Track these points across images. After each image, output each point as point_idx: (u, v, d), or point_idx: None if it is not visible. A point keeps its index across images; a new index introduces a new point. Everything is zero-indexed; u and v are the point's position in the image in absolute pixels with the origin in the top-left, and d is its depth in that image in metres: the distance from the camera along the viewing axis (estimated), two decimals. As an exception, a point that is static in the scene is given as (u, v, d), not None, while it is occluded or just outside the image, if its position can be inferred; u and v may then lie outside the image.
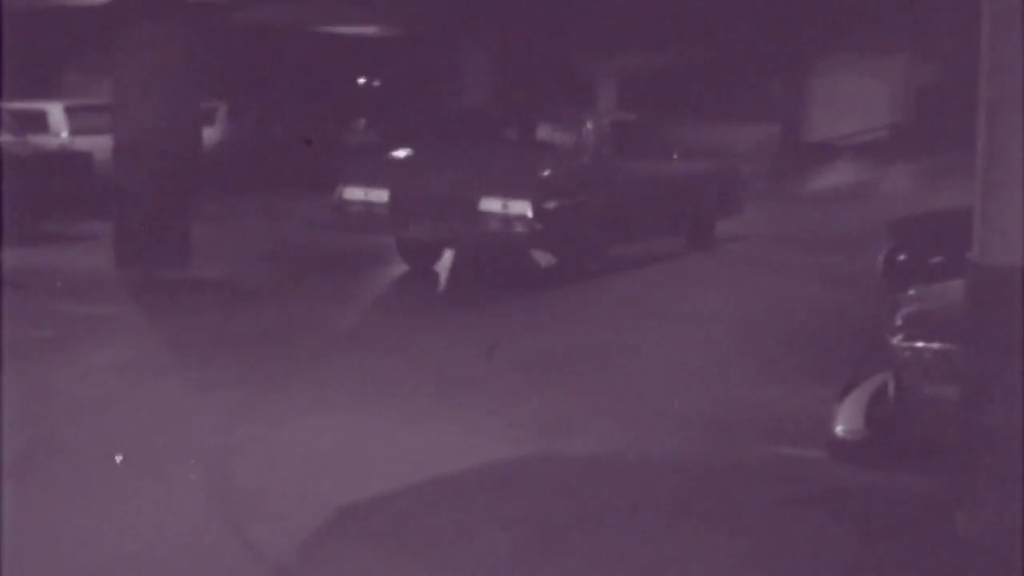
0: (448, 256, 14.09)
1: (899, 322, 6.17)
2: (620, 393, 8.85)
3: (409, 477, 6.82)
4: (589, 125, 13.77)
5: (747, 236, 17.54)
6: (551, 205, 12.24)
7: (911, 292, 7.18)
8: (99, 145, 16.34)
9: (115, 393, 8.51)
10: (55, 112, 19.35)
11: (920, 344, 5.83)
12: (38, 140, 17.88)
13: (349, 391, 8.69)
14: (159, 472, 6.83)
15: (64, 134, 19.16)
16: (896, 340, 6.00)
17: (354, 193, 12.90)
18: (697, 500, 6.57)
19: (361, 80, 36.85)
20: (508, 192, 12.11)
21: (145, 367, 9.35)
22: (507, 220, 12.09)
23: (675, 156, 15.59)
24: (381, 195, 12.64)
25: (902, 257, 10.41)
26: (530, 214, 12.02)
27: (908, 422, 5.91)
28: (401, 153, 14.07)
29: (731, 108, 35.49)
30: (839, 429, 6.20)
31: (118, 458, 6.88)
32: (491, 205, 12.10)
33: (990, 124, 4.67)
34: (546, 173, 12.80)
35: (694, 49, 36.29)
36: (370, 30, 30.95)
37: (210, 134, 22.84)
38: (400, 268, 14.44)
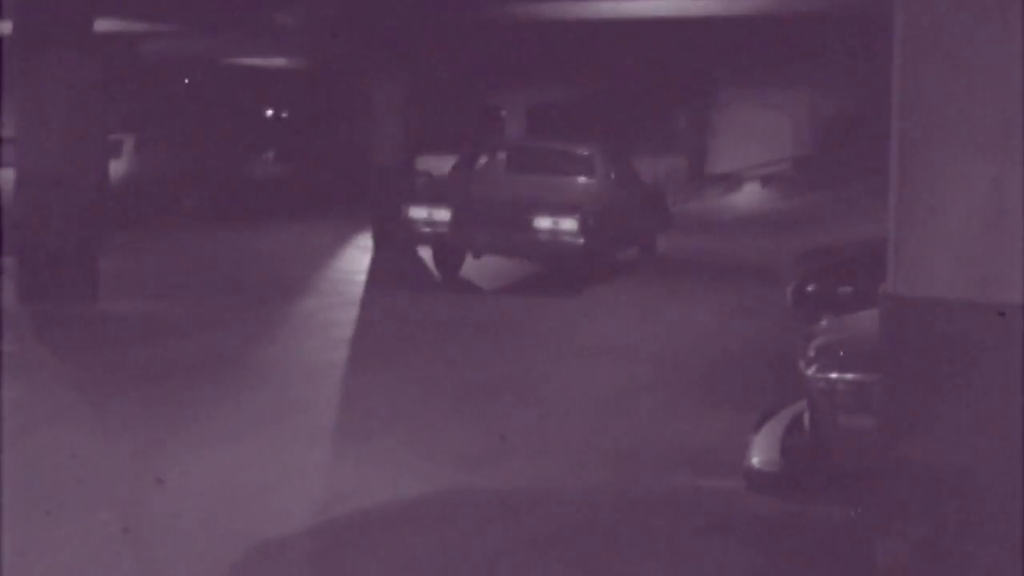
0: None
1: (812, 353, 6.22)
2: (537, 425, 8.84)
3: (326, 512, 6.76)
4: (602, 156, 16.93)
5: (656, 268, 17.70)
6: (590, 222, 15.00)
7: (823, 323, 7.26)
8: (2, 178, 16.07)
9: (20, 431, 8.32)
10: (-46, 145, 18.99)
11: (834, 375, 5.88)
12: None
13: (263, 425, 8.59)
14: (68, 511, 6.70)
15: (-36, 167, 18.81)
16: (810, 371, 6.05)
17: (419, 212, 15.37)
18: (614, 532, 6.57)
19: (269, 112, 36.69)
20: (558, 212, 14.93)
21: (50, 404, 9.18)
22: (556, 233, 14.92)
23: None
24: (444, 213, 15.15)
25: (811, 288, 10.53)
26: (576, 228, 14.79)
27: (823, 452, 5.96)
28: (454, 178, 17.16)
29: (637, 140, 35.77)
30: (755, 460, 6.22)
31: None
32: (543, 222, 14.88)
33: (902, 155, 4.72)
34: (584, 197, 15.68)
35: (600, 82, 36.60)
36: (278, 62, 30.82)
37: (117, 167, 22.60)
38: (314, 300, 14.36)
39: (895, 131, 4.74)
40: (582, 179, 16.48)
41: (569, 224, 14.86)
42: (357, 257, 18.69)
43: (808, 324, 8.61)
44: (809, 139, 34.69)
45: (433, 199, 15.76)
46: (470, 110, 39.04)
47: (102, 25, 16.05)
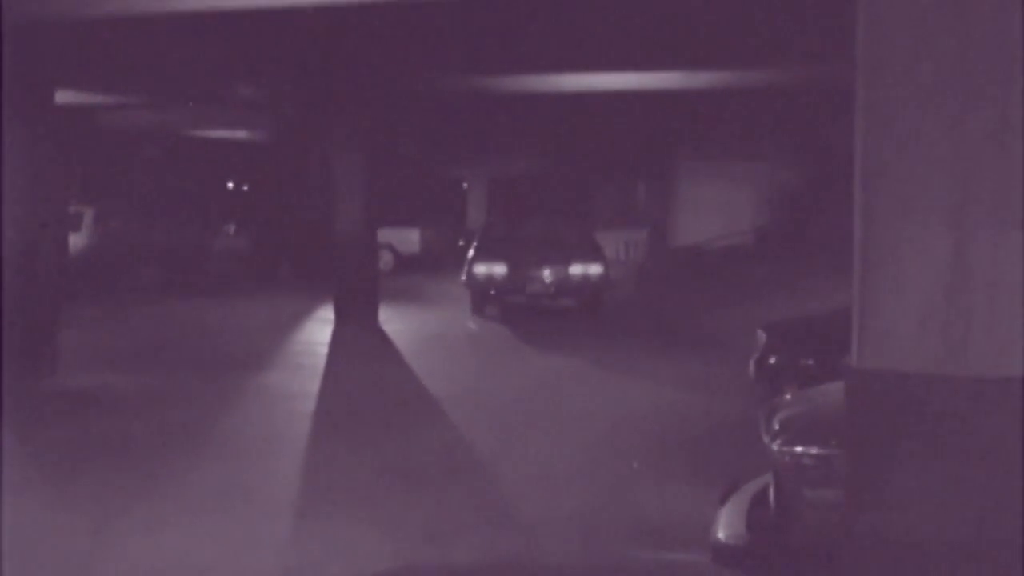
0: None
1: (776, 426, 6.21)
2: (501, 498, 8.79)
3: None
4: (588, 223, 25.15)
5: (617, 338, 17.70)
6: (608, 268, 21.09)
7: (787, 395, 7.26)
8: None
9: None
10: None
11: (799, 448, 5.87)
12: None
13: (220, 502, 8.50)
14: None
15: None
16: (775, 444, 6.04)
17: (480, 268, 20.70)
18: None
19: (230, 185, 36.69)
20: (588, 261, 20.80)
21: (8, 478, 9.04)
22: (588, 276, 20.69)
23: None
24: (502, 268, 20.54)
25: (773, 360, 10.55)
26: (603, 271, 20.82)
27: (789, 526, 5.94)
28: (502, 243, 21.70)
29: (599, 213, 35.97)
30: (721, 533, 6.19)
31: None
32: (577, 268, 20.64)
33: (865, 228, 4.75)
34: (595, 250, 21.46)
35: (562, 155, 36.80)
36: (240, 135, 30.87)
37: (77, 239, 22.49)
38: (276, 373, 14.28)
39: (858, 204, 4.77)
40: (586, 239, 22.15)
41: (596, 268, 20.74)
42: (319, 329, 18.63)
43: (771, 397, 8.62)
44: (769, 211, 34.94)
45: (493, 257, 20.83)
46: (432, 183, 39.17)
47: (63, 97, 16.03)
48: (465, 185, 39.15)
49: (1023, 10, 4.43)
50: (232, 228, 29.09)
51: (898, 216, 4.64)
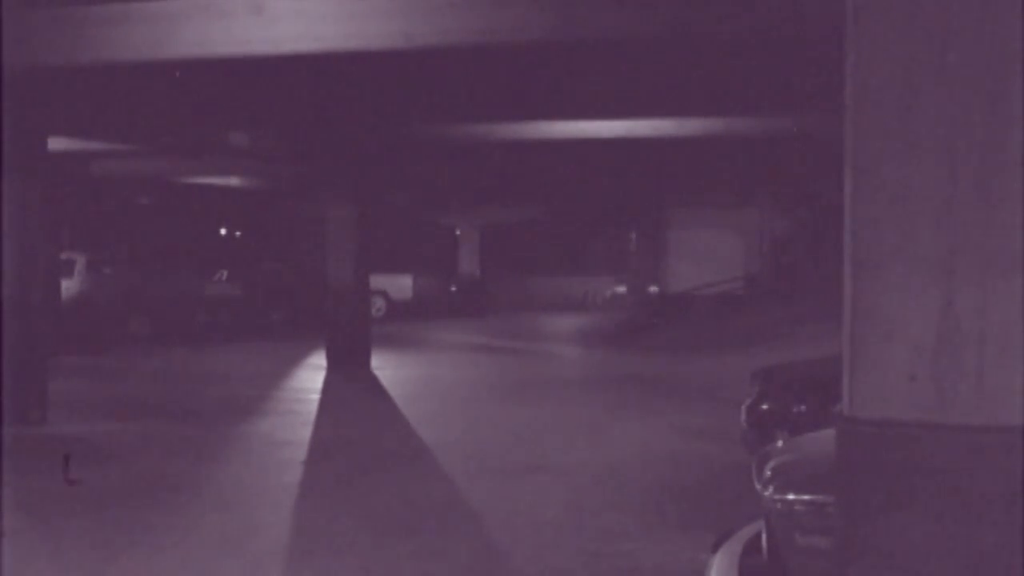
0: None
1: (768, 473, 6.20)
2: (487, 550, 8.76)
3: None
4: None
5: (611, 384, 17.68)
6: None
7: (779, 442, 7.26)
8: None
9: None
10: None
11: (791, 495, 5.87)
12: None
13: (206, 552, 8.46)
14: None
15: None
16: (767, 491, 6.03)
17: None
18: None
19: (223, 231, 36.69)
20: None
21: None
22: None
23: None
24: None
25: (765, 406, 10.55)
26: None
27: (781, 573, 5.92)
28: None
29: (590, 260, 36.08)
30: (713, 581, 6.17)
31: None
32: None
33: (855, 278, 4.76)
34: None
35: (553, 203, 36.88)
36: (232, 182, 30.92)
37: (68, 286, 22.49)
38: (268, 421, 14.24)
39: (848, 254, 4.79)
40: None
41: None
42: (311, 376, 18.61)
43: (763, 443, 8.62)
44: (760, 258, 35.04)
45: None
46: (425, 230, 39.23)
47: (56, 144, 16.07)
48: (458, 232, 39.22)
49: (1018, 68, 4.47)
50: (224, 275, 29.08)
51: (887, 266, 4.65)
